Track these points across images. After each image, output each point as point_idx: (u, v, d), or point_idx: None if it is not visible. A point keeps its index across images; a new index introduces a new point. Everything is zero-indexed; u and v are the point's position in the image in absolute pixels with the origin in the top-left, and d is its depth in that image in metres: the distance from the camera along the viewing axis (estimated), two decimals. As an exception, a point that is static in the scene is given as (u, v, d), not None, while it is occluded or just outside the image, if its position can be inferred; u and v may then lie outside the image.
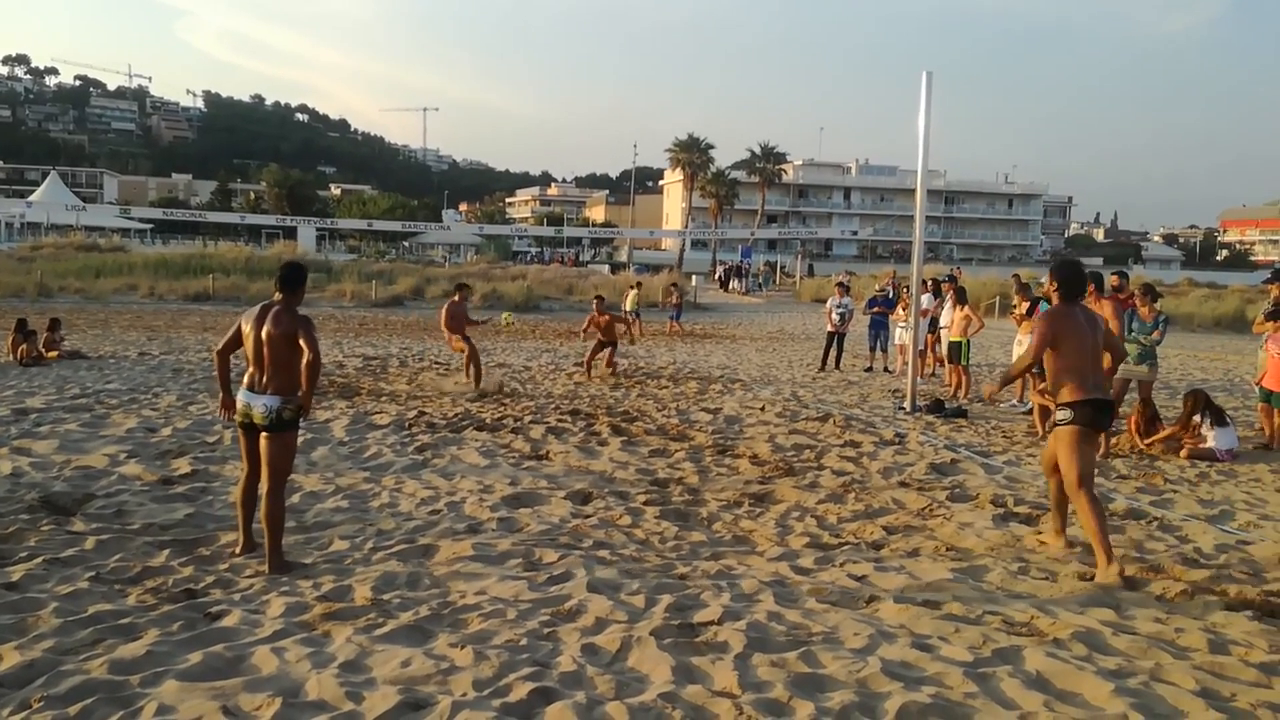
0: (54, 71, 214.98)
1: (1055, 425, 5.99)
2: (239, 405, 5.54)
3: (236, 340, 5.66)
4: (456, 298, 13.84)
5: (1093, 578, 5.60)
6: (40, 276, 31.75)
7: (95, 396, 11.28)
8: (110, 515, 6.41)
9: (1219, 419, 9.64)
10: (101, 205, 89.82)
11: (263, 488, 5.51)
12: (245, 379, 5.54)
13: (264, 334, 5.46)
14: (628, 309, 25.96)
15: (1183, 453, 9.53)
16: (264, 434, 5.47)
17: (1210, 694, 4.10)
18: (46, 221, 65.68)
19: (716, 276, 57.83)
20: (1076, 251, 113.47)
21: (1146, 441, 9.84)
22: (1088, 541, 5.86)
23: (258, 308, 5.66)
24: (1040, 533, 6.58)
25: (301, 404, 5.51)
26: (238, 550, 5.70)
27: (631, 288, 28.23)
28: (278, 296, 5.63)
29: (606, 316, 15.21)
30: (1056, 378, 5.95)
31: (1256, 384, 10.71)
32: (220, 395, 5.86)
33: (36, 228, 65.08)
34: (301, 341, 5.40)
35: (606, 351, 15.09)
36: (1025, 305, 12.85)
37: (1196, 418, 9.66)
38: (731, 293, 51.89)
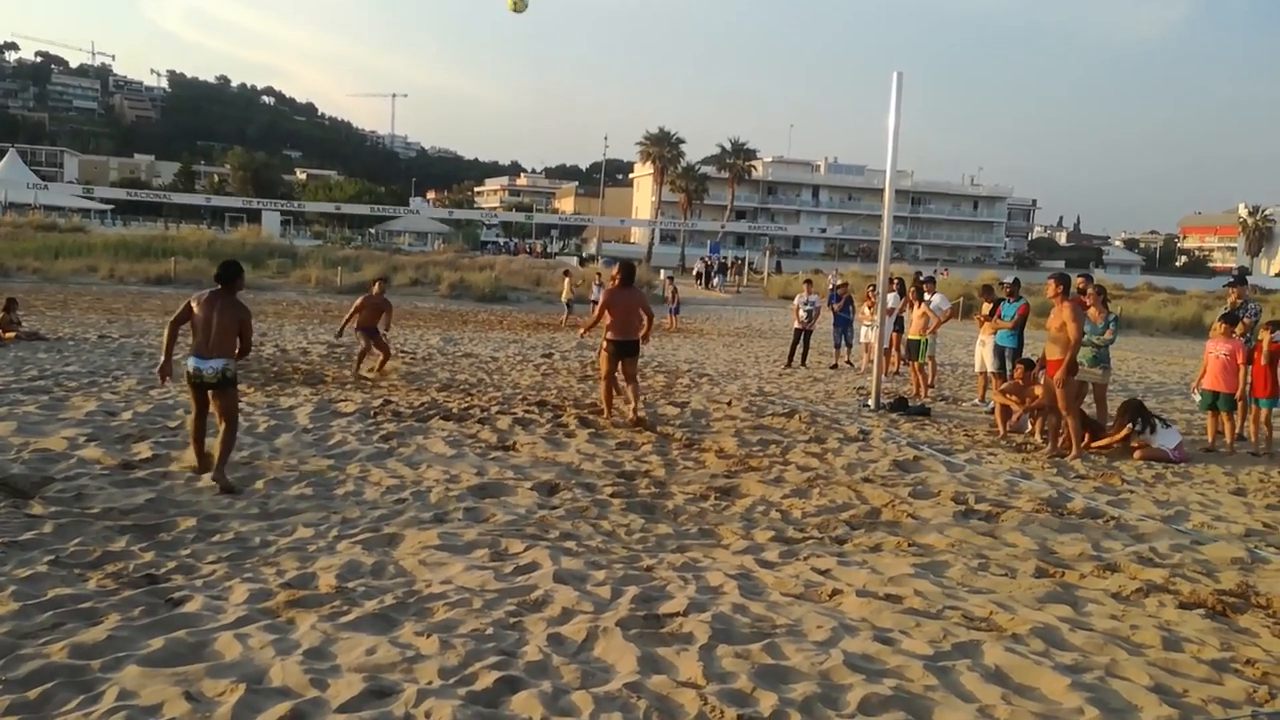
0: (14, 47, 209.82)
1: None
2: (190, 368, 6.94)
3: (186, 316, 7.02)
4: (375, 289, 13.48)
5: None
6: (-3, 255, 31.16)
7: (54, 379, 11.11)
8: (70, 499, 6.32)
9: (1153, 425, 9.83)
10: (62, 184, 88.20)
11: (220, 429, 6.97)
12: (193, 348, 6.94)
13: (215, 317, 6.93)
14: (564, 299, 26.23)
15: (1136, 455, 9.71)
16: (215, 390, 6.94)
17: (1163, 689, 4.20)
18: (4, 200, 64.37)
19: (696, 273, 55.39)
20: (1039, 254, 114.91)
21: (1086, 445, 9.97)
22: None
23: (207, 293, 7.13)
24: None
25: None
26: (197, 468, 7.10)
27: (566, 274, 28.56)
28: (219, 287, 7.12)
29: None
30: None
31: (1195, 389, 10.91)
32: (162, 358, 7.14)
33: (-6, 206, 63.77)
34: (241, 337, 7.06)
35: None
36: (988, 307, 13.04)
37: (1130, 426, 9.84)
38: (713, 290, 50.23)
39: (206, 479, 6.98)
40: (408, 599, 4.85)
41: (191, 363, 6.93)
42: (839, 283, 20.55)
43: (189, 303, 7.05)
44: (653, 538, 6.27)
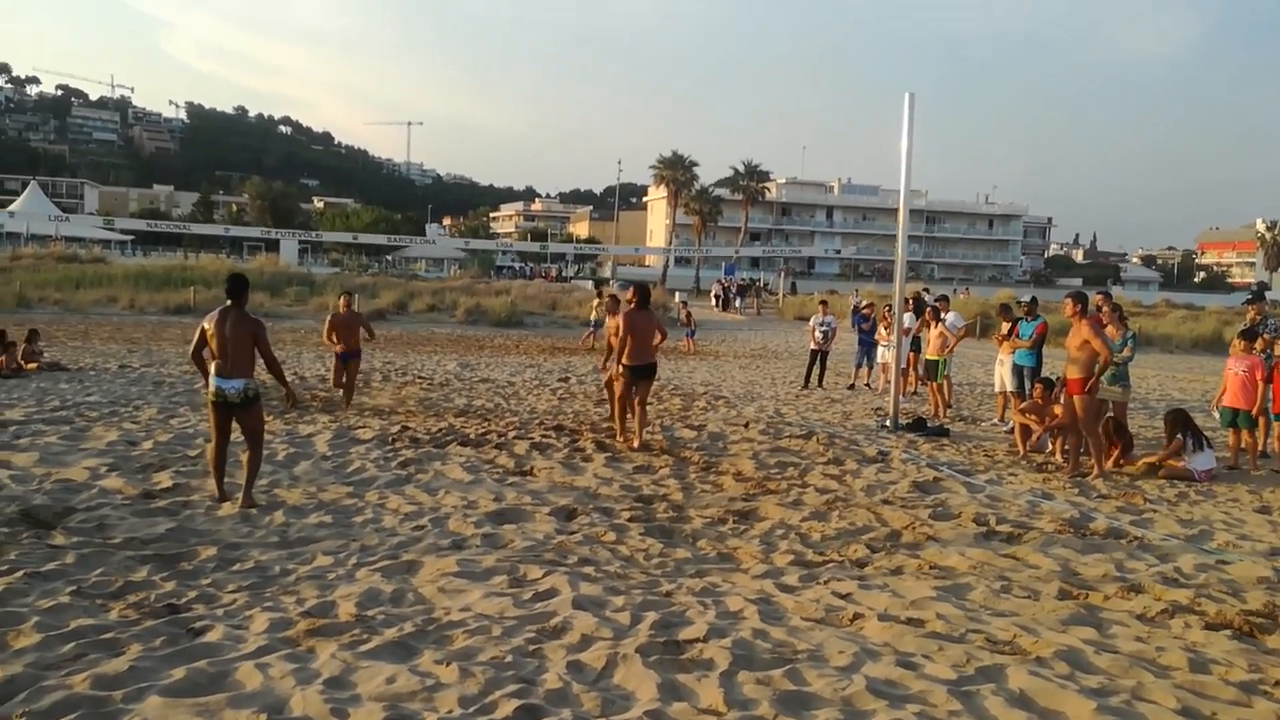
0: (35, 81, 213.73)
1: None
2: (212, 387, 7.09)
3: (204, 341, 7.15)
4: (342, 306, 13.08)
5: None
6: (19, 287, 31.52)
7: (75, 409, 11.20)
8: (91, 529, 6.36)
9: (1199, 442, 9.73)
10: (83, 216, 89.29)
11: (247, 447, 7.26)
12: (214, 368, 7.09)
13: (228, 333, 7.05)
14: (593, 318, 26.46)
15: (1160, 473, 9.62)
16: (239, 410, 7.12)
17: (1191, 713, 4.14)
18: (26, 232, 65.20)
19: (715, 295, 53.93)
20: (1056, 272, 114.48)
21: (1117, 461, 9.89)
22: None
23: (216, 312, 7.22)
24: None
25: (289, 397, 7.94)
26: (217, 498, 7.16)
27: (599, 294, 28.75)
28: (229, 303, 7.21)
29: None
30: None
31: (1215, 406, 10.80)
32: (205, 381, 7.31)
33: (16, 238, 64.57)
34: (258, 349, 7.21)
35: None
36: (1006, 326, 12.99)
37: (1180, 438, 9.72)
38: (733, 312, 49.35)
39: (227, 507, 7.03)
40: (427, 627, 4.85)
41: (214, 384, 7.09)
42: (864, 303, 20.52)
43: (202, 327, 7.18)
44: (671, 562, 6.25)
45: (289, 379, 7.97)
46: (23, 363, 14.61)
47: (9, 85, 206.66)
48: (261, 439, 7.38)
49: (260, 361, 7.32)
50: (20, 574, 5.30)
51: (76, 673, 4.11)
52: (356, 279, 44.64)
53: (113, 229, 78.06)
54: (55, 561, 5.60)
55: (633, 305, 10.36)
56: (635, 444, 10.05)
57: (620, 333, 10.23)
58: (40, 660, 4.24)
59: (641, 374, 10.23)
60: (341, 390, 12.66)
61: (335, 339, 12.53)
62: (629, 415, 10.50)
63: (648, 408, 10.75)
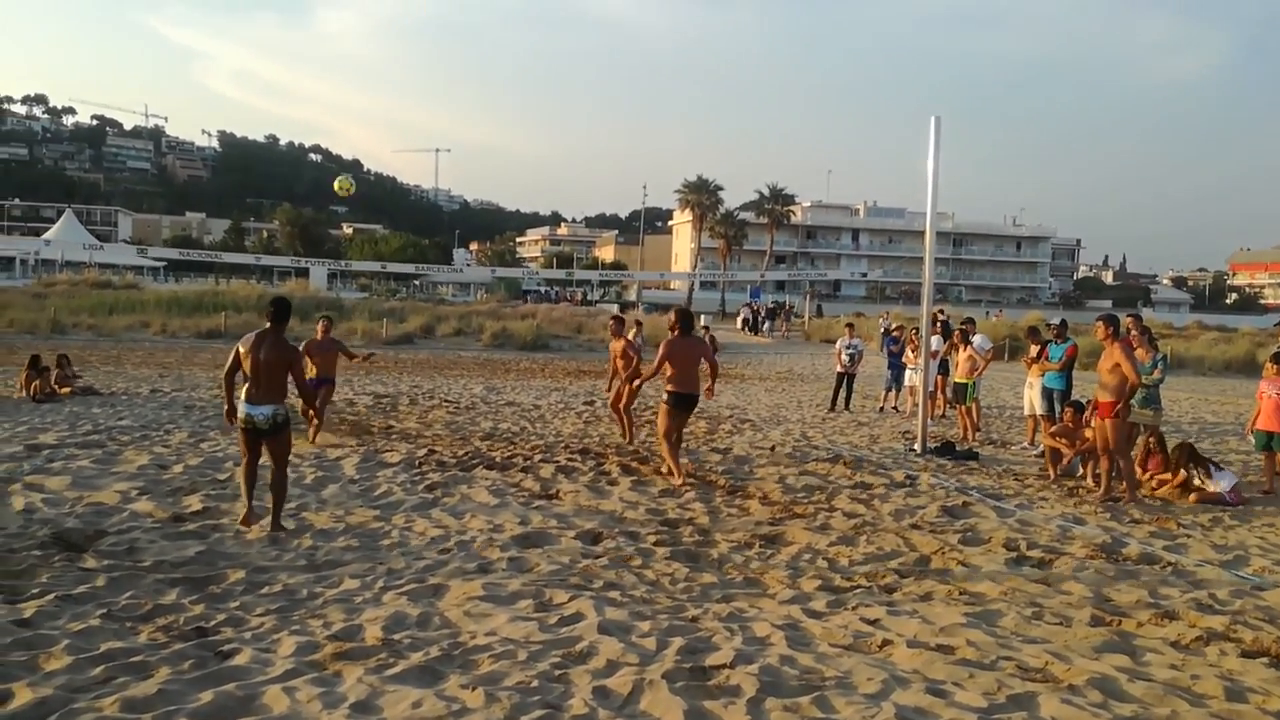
0: (71, 111, 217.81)
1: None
2: (241, 414, 7.03)
3: (237, 364, 7.08)
4: (320, 331, 11.87)
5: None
6: (54, 313, 32.00)
7: (107, 433, 11.33)
8: (122, 552, 6.42)
9: (1207, 470, 9.65)
10: (116, 244, 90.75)
11: (272, 471, 7.17)
12: (244, 393, 7.01)
13: (262, 358, 6.95)
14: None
15: (1191, 498, 9.49)
16: (267, 436, 7.05)
17: (1228, 742, 4.06)
18: (61, 259, 66.30)
19: (744, 319, 53.40)
20: (1085, 294, 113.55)
21: (1151, 480, 9.82)
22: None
23: (253, 335, 7.14)
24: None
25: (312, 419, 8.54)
26: (241, 520, 7.12)
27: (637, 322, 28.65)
28: (269, 326, 7.16)
29: (625, 341, 12.40)
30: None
31: (1250, 430, 10.66)
32: (226, 406, 7.36)
33: (51, 265, 65.68)
34: (292, 376, 7.15)
35: (627, 390, 12.10)
36: (1035, 349, 12.89)
37: (1184, 472, 9.67)
38: (760, 336, 48.86)
39: (255, 529, 7.09)
40: (453, 651, 4.85)
41: (243, 409, 7.04)
42: (894, 325, 20.40)
43: (237, 349, 7.12)
44: (697, 587, 6.22)
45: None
46: (56, 387, 14.81)
47: (46, 115, 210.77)
48: (286, 463, 7.34)
49: (293, 386, 7.36)
50: (51, 596, 5.36)
51: (106, 695, 4.14)
52: (385, 304, 45.01)
53: (145, 257, 79.23)
54: (86, 584, 5.66)
55: (675, 332, 9.69)
56: (680, 481, 9.35)
57: (659, 361, 9.64)
58: (70, 683, 4.27)
59: (687, 404, 9.80)
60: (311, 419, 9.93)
61: (314, 366, 11.24)
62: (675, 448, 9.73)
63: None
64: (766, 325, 51.65)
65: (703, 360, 9.86)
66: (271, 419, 7.03)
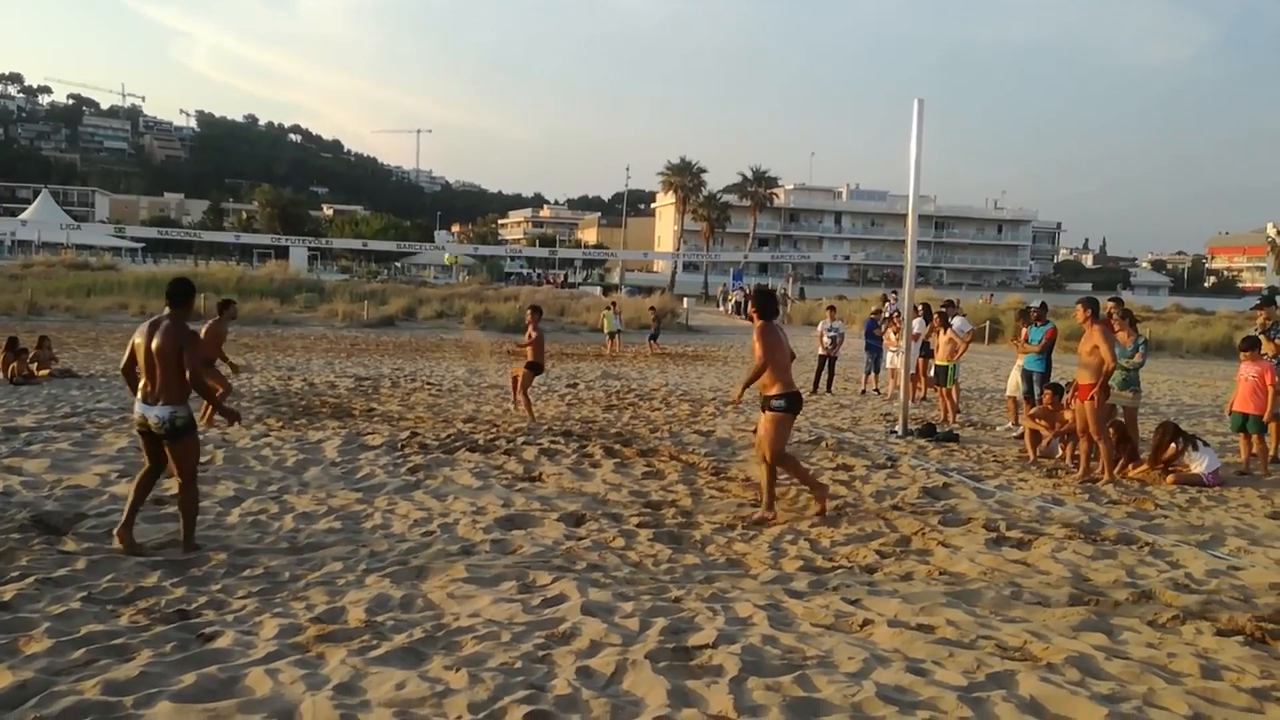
0: (47, 90, 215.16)
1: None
2: (136, 414, 6.04)
3: (134, 357, 6.09)
4: (219, 316, 11.81)
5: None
6: (30, 295, 31.66)
7: (86, 415, 11.25)
8: (102, 535, 6.37)
9: (1193, 443, 9.72)
10: (94, 224, 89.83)
11: (176, 484, 6.17)
12: (139, 390, 6.02)
13: (154, 347, 5.89)
14: (605, 330, 26.68)
15: (1169, 479, 9.58)
16: (167, 441, 6.00)
17: (1203, 719, 4.12)
18: (38, 240, 65.56)
19: (736, 303, 52.74)
20: (1065, 277, 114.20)
21: (1120, 471, 9.86)
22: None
23: (148, 323, 6.07)
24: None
25: (225, 414, 6.45)
26: (115, 531, 6.07)
27: (613, 304, 28.92)
28: (167, 311, 6.07)
29: (538, 333, 12.77)
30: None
31: (1227, 412, 10.77)
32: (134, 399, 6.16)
33: (27, 246, 64.95)
34: (184, 364, 5.87)
35: (523, 375, 12.63)
36: (1027, 331, 12.97)
37: (1173, 446, 9.72)
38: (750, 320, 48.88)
39: (118, 545, 5.99)
40: (436, 633, 4.85)
41: (138, 408, 6.03)
42: (876, 309, 20.49)
43: (132, 341, 6.12)
44: (680, 568, 6.24)
45: (295, 387, 7.19)
46: (34, 369, 14.68)
47: (21, 95, 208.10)
48: (194, 477, 6.19)
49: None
50: (31, 580, 5.33)
51: (87, 678, 4.12)
52: (366, 285, 44.76)
53: (123, 237, 78.46)
54: (66, 567, 5.62)
55: (759, 321, 7.68)
56: (773, 515, 7.55)
57: (767, 353, 7.46)
58: (51, 666, 4.26)
59: (800, 406, 7.78)
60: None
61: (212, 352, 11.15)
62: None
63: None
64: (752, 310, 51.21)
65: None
66: (168, 422, 5.92)
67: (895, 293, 27.07)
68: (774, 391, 7.44)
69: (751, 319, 7.74)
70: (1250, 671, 4.67)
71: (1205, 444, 9.94)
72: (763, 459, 7.56)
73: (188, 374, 5.87)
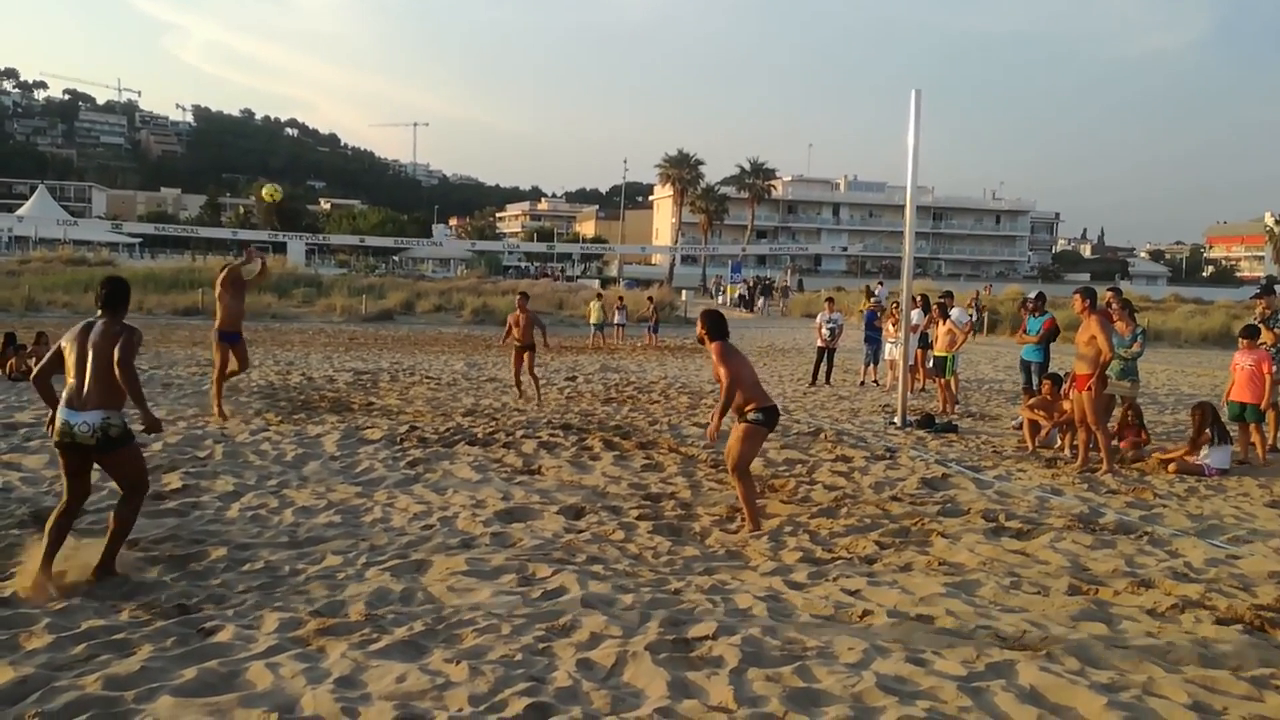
0: (43, 85, 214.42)
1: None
2: (58, 424, 5.18)
3: (56, 362, 5.37)
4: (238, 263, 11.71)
5: None
6: (28, 290, 31.63)
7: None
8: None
9: (1223, 436, 9.70)
10: (91, 219, 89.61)
11: (120, 502, 5.41)
12: (64, 395, 5.22)
13: (89, 347, 5.23)
14: (591, 322, 26.80)
15: (1170, 468, 9.60)
16: (99, 455, 5.25)
17: (1202, 707, 4.13)
18: (35, 235, 65.43)
19: (740, 295, 52.55)
20: (1064, 268, 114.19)
21: (1135, 445, 9.92)
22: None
23: (79, 326, 5.40)
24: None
25: (146, 421, 5.48)
26: (26, 583, 5.10)
27: (598, 296, 29.03)
28: (100, 313, 5.41)
29: (527, 314, 13.93)
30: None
31: (1224, 402, 10.77)
32: (51, 413, 5.34)
33: (24, 241, 64.80)
34: (115, 352, 5.19)
35: (527, 357, 13.72)
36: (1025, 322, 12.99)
37: (1208, 432, 9.68)
38: (757, 313, 48.19)
39: (28, 584, 5.12)
40: (436, 625, 4.86)
41: (62, 414, 5.19)
42: (875, 300, 20.50)
43: (58, 345, 5.41)
44: (680, 560, 6.25)
45: (294, 381, 6.53)
46: (32, 365, 14.64)
47: (17, 90, 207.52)
48: (141, 489, 5.51)
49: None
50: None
51: (88, 673, 4.13)
52: (364, 280, 44.70)
53: (121, 232, 78.30)
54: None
55: (712, 343, 7.16)
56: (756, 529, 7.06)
57: (726, 381, 6.97)
58: (52, 661, 4.26)
59: (774, 421, 7.38)
60: (232, 371, 11.28)
61: (221, 307, 11.17)
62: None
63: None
64: (762, 301, 51.00)
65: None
66: (100, 430, 5.16)
67: (881, 282, 27.16)
68: (750, 407, 7.05)
69: (703, 342, 7.25)
70: (1250, 660, 4.68)
71: (1231, 441, 9.90)
72: (731, 470, 7.22)
73: (119, 370, 5.17)
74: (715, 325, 7.21)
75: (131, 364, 5.26)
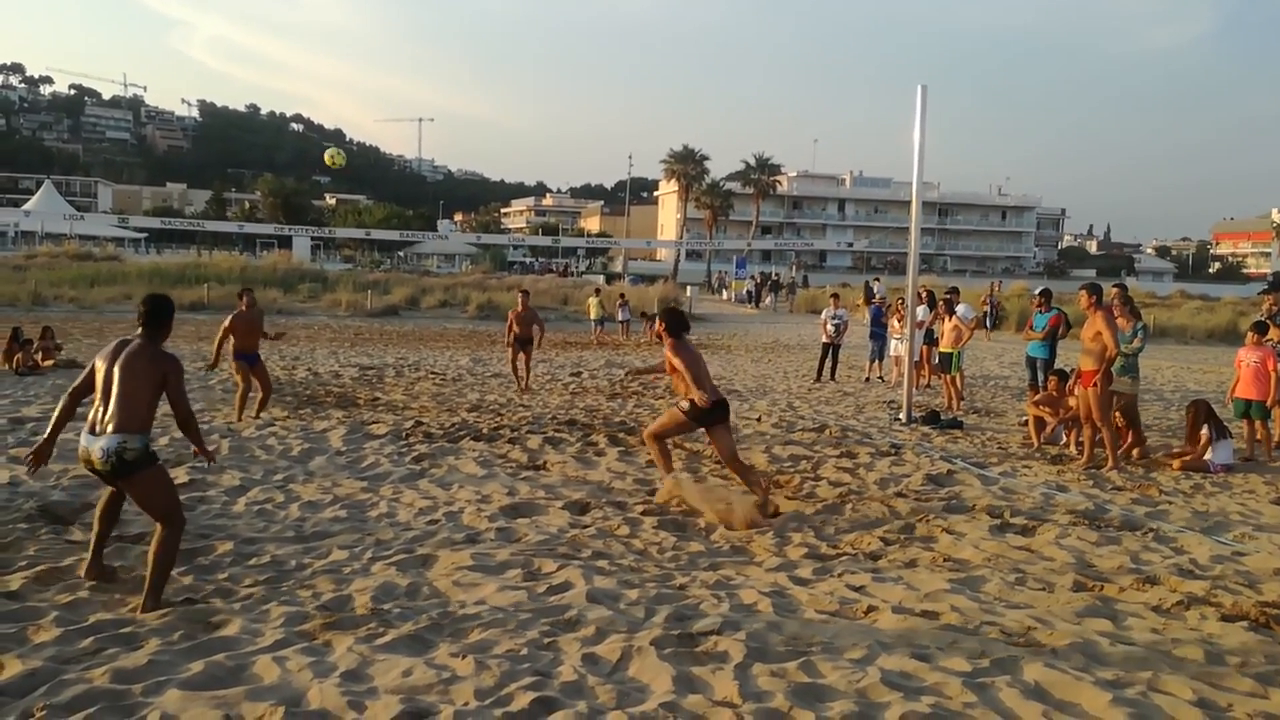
0: (49, 80, 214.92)
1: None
2: (80, 449, 4.95)
3: (89, 381, 5.11)
4: (243, 304, 11.23)
5: None
6: (34, 285, 31.72)
7: (91, 405, 11.24)
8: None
9: (1221, 431, 9.69)
10: (97, 214, 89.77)
11: (155, 535, 5.03)
12: (89, 419, 4.98)
13: (118, 365, 4.95)
14: (591, 318, 27.21)
15: (1176, 464, 9.58)
16: (116, 480, 4.99)
17: (1207, 704, 4.13)
18: (41, 230, 65.59)
19: (747, 291, 52.30)
20: (1070, 264, 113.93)
21: (1128, 452, 9.89)
22: None
23: (113, 344, 5.15)
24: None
25: (204, 454, 5.46)
26: (81, 571, 5.22)
27: (596, 291, 29.06)
28: (140, 332, 5.13)
29: (528, 310, 14.79)
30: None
31: (1229, 399, 10.75)
32: (40, 440, 5.21)
33: (31, 237, 64.96)
34: (168, 398, 4.98)
35: (526, 352, 14.53)
36: (1032, 318, 12.95)
37: (1205, 431, 9.67)
38: (764, 309, 47.88)
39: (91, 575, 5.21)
40: (442, 620, 4.87)
41: (83, 440, 4.96)
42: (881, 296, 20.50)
43: (93, 364, 5.15)
44: (685, 555, 6.26)
45: (300, 377, 6.52)
46: (39, 360, 14.71)
47: (23, 85, 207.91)
48: (173, 520, 5.04)
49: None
50: (39, 569, 5.35)
51: (96, 666, 4.15)
52: (369, 275, 44.77)
53: (127, 227, 78.42)
54: (73, 556, 5.65)
55: (669, 339, 7.69)
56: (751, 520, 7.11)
57: (691, 375, 7.46)
58: (60, 654, 4.28)
59: (700, 419, 7.65)
60: (259, 397, 11.06)
61: (234, 342, 10.83)
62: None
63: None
64: (770, 298, 50.63)
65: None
66: (115, 455, 4.83)
67: (878, 279, 27.07)
68: (689, 398, 7.48)
69: (660, 338, 7.94)
70: (1255, 657, 4.68)
71: (1230, 436, 9.90)
72: (644, 434, 8.20)
73: (176, 409, 5.05)
74: (673, 322, 7.81)
75: (185, 400, 5.09)
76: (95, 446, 4.85)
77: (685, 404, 7.53)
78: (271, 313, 30.76)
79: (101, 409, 4.93)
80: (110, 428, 4.84)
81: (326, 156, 14.70)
